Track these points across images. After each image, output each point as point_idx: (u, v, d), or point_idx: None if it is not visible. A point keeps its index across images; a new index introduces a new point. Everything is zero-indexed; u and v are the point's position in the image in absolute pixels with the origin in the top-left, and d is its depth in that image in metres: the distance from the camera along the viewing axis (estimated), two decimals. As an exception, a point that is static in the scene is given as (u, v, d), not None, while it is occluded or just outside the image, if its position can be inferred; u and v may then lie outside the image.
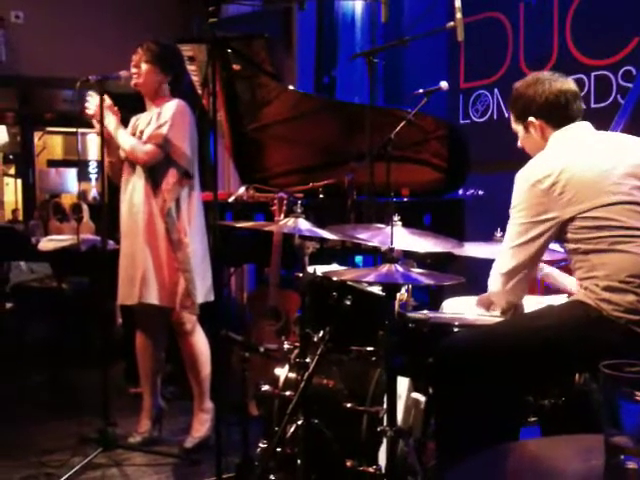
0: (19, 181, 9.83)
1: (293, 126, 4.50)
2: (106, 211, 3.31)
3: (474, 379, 2.11)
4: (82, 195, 8.95)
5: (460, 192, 4.83)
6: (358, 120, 3.61)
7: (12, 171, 10.72)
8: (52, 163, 10.73)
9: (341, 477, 2.35)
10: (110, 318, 4.74)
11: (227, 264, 4.36)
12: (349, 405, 2.39)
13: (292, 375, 2.55)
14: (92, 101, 3.28)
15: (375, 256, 3.52)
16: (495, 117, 4.96)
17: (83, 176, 10.11)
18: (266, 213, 3.90)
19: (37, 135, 9.74)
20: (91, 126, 3.35)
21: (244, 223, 2.80)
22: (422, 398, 2.39)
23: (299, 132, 4.52)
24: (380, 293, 2.36)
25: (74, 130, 3.77)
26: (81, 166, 9.55)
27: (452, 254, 2.71)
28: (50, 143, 10.99)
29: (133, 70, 3.33)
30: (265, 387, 2.57)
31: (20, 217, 9.29)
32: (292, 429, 2.40)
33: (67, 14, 7.35)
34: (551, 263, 2.58)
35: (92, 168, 10.31)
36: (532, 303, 2.34)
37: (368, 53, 3.41)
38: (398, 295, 2.31)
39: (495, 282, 2.24)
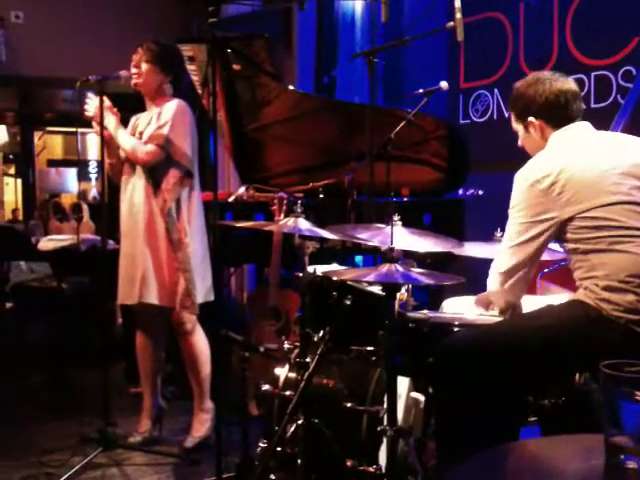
0: (19, 181, 9.84)
1: (293, 126, 4.50)
2: (106, 211, 3.30)
3: (474, 379, 2.11)
4: (82, 195, 8.95)
5: (460, 192, 4.83)
6: (358, 120, 3.61)
7: (12, 171, 10.72)
8: (52, 163, 10.74)
9: (341, 477, 2.36)
10: (110, 318, 4.73)
11: (227, 264, 4.36)
12: (349, 405, 2.39)
13: (292, 375, 2.56)
14: (91, 103, 3.28)
15: (375, 256, 3.52)
16: (495, 117, 4.96)
17: (83, 176, 10.12)
18: (266, 213, 3.90)
19: (37, 135, 9.75)
20: (91, 126, 3.35)
21: (244, 223, 2.80)
22: (422, 398, 2.39)
23: (299, 132, 4.52)
24: (380, 293, 2.36)
25: (74, 130, 3.77)
26: (81, 166, 9.55)
27: (452, 254, 2.72)
28: (50, 143, 11.00)
29: (133, 70, 3.33)
30: (265, 387, 2.58)
31: (20, 217, 9.29)
32: (292, 429, 2.40)
33: (67, 14, 7.35)
34: (551, 263, 2.58)
35: (92, 168, 10.31)
36: (531, 303, 2.34)
37: (368, 53, 3.41)
38: (398, 295, 2.31)
39: (494, 281, 2.25)
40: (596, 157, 2.17)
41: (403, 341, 2.27)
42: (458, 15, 3.15)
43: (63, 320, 4.97)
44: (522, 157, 2.29)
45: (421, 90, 3.14)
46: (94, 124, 3.31)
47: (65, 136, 11.01)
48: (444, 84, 3.12)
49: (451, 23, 3.19)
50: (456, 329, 2.34)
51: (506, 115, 4.71)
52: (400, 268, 2.15)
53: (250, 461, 2.69)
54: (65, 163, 10.61)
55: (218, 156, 5.12)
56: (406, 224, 2.59)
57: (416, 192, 4.38)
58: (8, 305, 5.46)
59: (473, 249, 2.71)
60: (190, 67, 4.27)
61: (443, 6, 4.79)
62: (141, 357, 3.52)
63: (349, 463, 2.32)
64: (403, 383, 2.39)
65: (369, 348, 2.39)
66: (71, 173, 9.81)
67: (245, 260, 4.83)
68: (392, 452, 2.17)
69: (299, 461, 2.36)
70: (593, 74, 4.32)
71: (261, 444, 2.57)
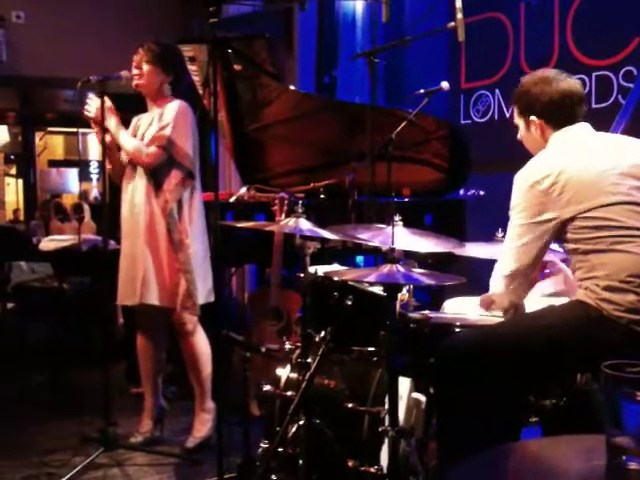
0: (20, 181, 9.84)
1: (294, 126, 4.50)
2: (107, 211, 3.30)
3: (475, 379, 2.11)
4: (83, 195, 8.97)
5: (461, 192, 4.83)
6: (359, 120, 3.61)
7: (13, 171, 10.73)
8: (53, 163, 10.75)
9: (343, 477, 2.36)
10: (111, 318, 4.73)
11: (228, 264, 4.35)
12: (350, 405, 2.39)
13: (293, 375, 2.56)
14: (92, 104, 3.27)
15: (376, 256, 3.52)
16: (496, 117, 4.96)
17: (84, 176, 10.13)
18: (267, 213, 3.90)
19: (38, 135, 9.76)
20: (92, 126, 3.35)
21: (245, 223, 2.81)
22: (423, 398, 2.39)
23: (300, 132, 4.52)
24: (381, 293, 2.37)
25: (75, 130, 3.78)
26: (82, 166, 9.56)
27: (453, 254, 2.71)
28: (51, 143, 11.00)
29: (134, 71, 3.32)
30: (266, 387, 2.58)
31: (21, 217, 9.29)
32: (293, 429, 2.40)
33: (68, 14, 7.35)
34: (552, 264, 2.57)
35: (93, 168, 10.32)
36: (533, 303, 2.34)
37: (369, 53, 3.41)
38: (399, 295, 2.32)
39: (498, 284, 2.24)
40: (596, 158, 2.17)
41: (404, 341, 2.27)
42: (459, 15, 3.15)
43: (64, 320, 4.97)
44: (523, 157, 2.29)
45: (422, 90, 3.15)
46: (93, 125, 3.30)
47: (66, 136, 11.01)
48: (445, 84, 3.12)
49: (452, 23, 3.19)
50: (457, 329, 2.34)
51: (507, 115, 4.71)
52: (401, 268, 2.15)
53: (251, 461, 2.68)
54: (66, 163, 10.62)
55: (219, 156, 5.08)
56: (407, 224, 2.59)
57: (417, 192, 4.38)
58: (9, 305, 5.46)
59: (474, 249, 2.71)
60: (191, 67, 4.27)
61: (444, 6, 4.79)
62: (142, 357, 3.52)
63: (350, 463, 2.32)
64: (404, 384, 2.39)
65: (370, 349, 2.40)
66: (72, 173, 9.83)
67: (246, 260, 4.82)
68: (393, 452, 2.17)
69: (300, 461, 2.36)
70: (594, 74, 4.32)
71: (262, 444, 2.58)
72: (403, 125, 3.08)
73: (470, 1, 3.66)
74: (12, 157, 10.51)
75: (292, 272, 3.84)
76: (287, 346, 2.65)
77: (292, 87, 4.58)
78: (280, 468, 2.44)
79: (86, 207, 6.61)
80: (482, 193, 5.02)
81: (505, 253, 2.23)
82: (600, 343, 2.02)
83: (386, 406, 2.24)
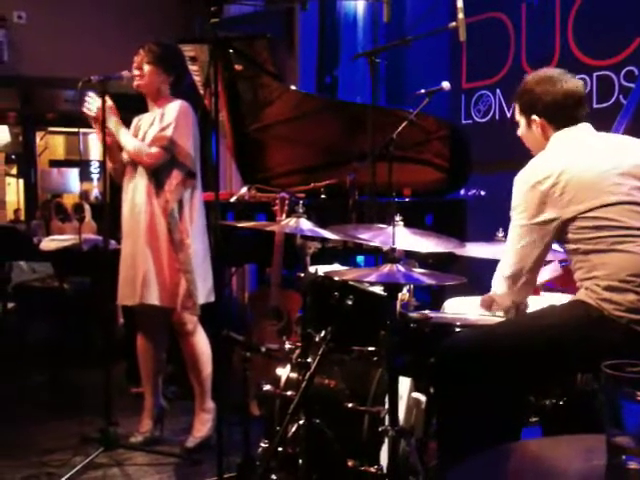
0: (21, 181, 9.84)
1: (295, 126, 4.50)
2: (108, 211, 3.30)
3: (475, 379, 2.11)
4: (84, 195, 8.97)
5: (462, 192, 4.83)
6: (360, 120, 3.61)
7: (14, 171, 10.74)
8: (54, 163, 10.76)
9: (342, 477, 2.35)
10: (111, 318, 4.73)
11: (229, 264, 4.35)
12: (350, 405, 2.39)
13: (293, 375, 2.55)
14: (92, 102, 3.26)
15: (377, 256, 3.52)
16: (497, 117, 4.96)
17: (85, 176, 10.14)
18: (268, 213, 3.90)
19: (39, 135, 9.77)
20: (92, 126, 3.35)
21: (246, 223, 2.81)
22: (423, 398, 2.39)
23: (301, 132, 4.52)
24: (382, 293, 2.36)
25: (76, 130, 3.79)
26: (83, 166, 9.56)
27: (454, 254, 2.72)
28: (52, 143, 11.02)
29: (135, 72, 3.32)
30: (266, 387, 2.58)
31: (22, 217, 9.30)
32: (293, 429, 2.40)
33: (69, 14, 7.36)
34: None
35: (94, 168, 10.33)
36: (534, 303, 2.34)
37: (370, 53, 3.41)
38: (400, 295, 2.31)
39: (500, 285, 2.24)
40: (596, 158, 2.17)
41: (404, 341, 2.27)
42: (460, 15, 3.15)
43: (65, 320, 4.97)
44: (524, 157, 2.28)
45: (423, 90, 3.14)
46: (94, 124, 3.30)
47: (67, 136, 11.03)
48: (446, 84, 3.12)
49: (453, 23, 3.19)
50: (458, 329, 2.34)
51: (508, 115, 4.71)
52: (402, 268, 2.15)
53: (251, 461, 2.68)
54: (67, 163, 10.63)
55: (220, 156, 5.09)
56: (408, 224, 2.59)
57: (418, 192, 4.38)
58: (10, 305, 5.46)
59: (475, 249, 2.71)
60: (192, 67, 4.27)
61: (445, 6, 4.79)
62: (142, 357, 3.52)
63: (350, 463, 2.32)
64: (404, 383, 2.39)
65: (370, 348, 2.39)
66: (73, 173, 9.84)
67: (247, 260, 4.83)
68: (393, 452, 2.17)
69: (300, 461, 2.36)
70: (595, 74, 4.32)
71: (262, 444, 2.58)
72: (404, 125, 3.08)
73: (471, 1, 3.66)
74: (13, 157, 10.53)
75: (292, 272, 3.84)
76: (287, 346, 2.65)
77: (293, 87, 4.58)
78: (280, 468, 2.44)
79: (87, 207, 6.63)
80: (483, 193, 5.02)
81: (507, 254, 2.22)
82: (600, 343, 2.01)
83: (386, 406, 2.24)
